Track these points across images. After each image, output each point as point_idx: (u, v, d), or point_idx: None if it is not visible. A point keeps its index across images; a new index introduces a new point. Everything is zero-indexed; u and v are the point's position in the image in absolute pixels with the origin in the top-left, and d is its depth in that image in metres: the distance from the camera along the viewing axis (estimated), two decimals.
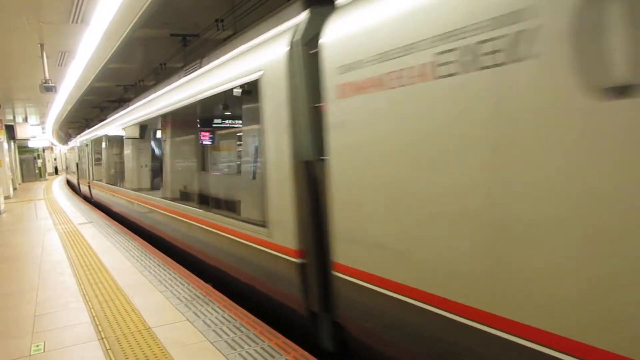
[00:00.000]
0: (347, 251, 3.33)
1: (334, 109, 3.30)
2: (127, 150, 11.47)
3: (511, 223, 2.16)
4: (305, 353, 3.79)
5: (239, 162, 5.78)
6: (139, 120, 9.79)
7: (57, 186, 29.93)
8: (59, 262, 7.59)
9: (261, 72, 4.27)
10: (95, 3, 7.41)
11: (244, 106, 5.21)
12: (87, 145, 18.73)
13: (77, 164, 23.15)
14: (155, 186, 9.09)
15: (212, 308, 5.02)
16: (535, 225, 2.07)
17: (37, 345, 4.28)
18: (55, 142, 49.11)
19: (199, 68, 7.59)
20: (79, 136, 24.11)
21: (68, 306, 5.35)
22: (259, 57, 4.41)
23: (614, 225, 1.79)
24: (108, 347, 4.12)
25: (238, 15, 10.17)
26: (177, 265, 7.10)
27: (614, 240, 1.81)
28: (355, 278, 3.23)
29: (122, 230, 10.77)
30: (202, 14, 10.56)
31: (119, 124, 12.33)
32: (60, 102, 21.50)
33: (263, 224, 4.44)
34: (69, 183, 32.53)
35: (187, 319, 4.71)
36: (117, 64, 14.33)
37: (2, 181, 19.63)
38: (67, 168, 37.53)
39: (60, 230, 11.13)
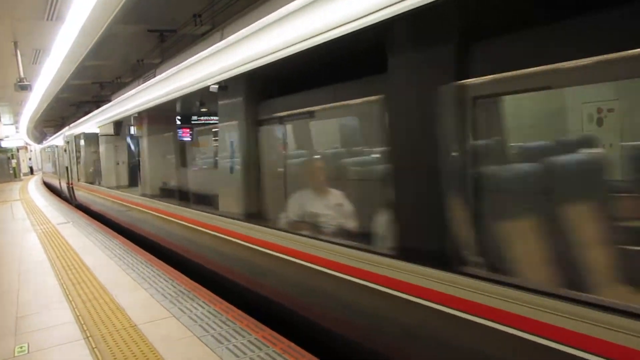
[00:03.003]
0: None
1: None
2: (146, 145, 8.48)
3: None
4: (292, 344, 3.85)
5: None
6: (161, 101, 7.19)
7: (33, 186, 29.36)
8: (40, 263, 7.49)
9: None
10: None
11: None
12: (80, 140, 14.90)
13: (66, 167, 18.02)
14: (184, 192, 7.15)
15: (198, 303, 5.03)
16: None
17: (21, 347, 4.25)
18: (30, 141, 48.09)
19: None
20: (62, 131, 20.26)
21: (51, 306, 5.30)
22: None
23: None
24: (94, 346, 4.12)
25: (216, 10, 10.11)
26: (161, 262, 7.08)
27: None
28: None
29: (102, 229, 10.66)
30: (180, 9, 10.47)
31: (129, 107, 9.08)
32: (35, 100, 21.07)
33: None
34: (47, 185, 29.19)
35: (173, 315, 4.72)
36: (93, 61, 14.12)
37: None
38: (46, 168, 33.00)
39: (39, 230, 10.96)
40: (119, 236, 9.60)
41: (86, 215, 13.44)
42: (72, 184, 16.89)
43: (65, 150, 18.01)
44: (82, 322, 4.70)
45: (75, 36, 9.59)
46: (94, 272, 6.64)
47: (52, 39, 9.84)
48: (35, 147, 52.02)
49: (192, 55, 6.42)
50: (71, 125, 17.65)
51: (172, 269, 6.66)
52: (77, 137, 15.21)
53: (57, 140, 21.77)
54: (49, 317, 4.97)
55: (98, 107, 14.84)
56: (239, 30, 4.99)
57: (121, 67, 16.50)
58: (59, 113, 30.84)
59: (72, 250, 8.37)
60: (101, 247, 8.46)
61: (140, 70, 16.21)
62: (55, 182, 23.60)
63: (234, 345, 3.91)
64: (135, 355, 3.86)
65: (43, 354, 4.09)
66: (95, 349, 4.04)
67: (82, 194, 15.09)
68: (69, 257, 7.75)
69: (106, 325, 4.56)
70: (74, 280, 6.30)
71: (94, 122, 12.44)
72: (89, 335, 4.37)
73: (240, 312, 4.74)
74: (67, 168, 17.71)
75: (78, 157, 15.39)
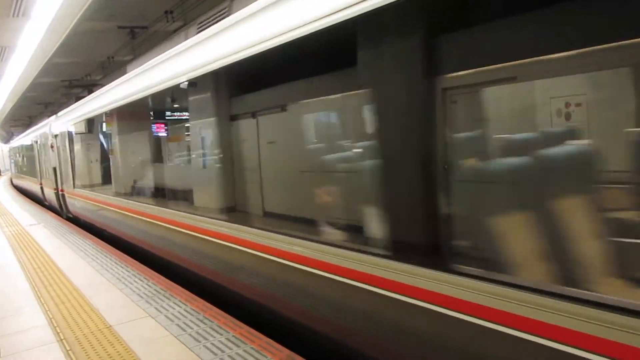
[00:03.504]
0: None
1: None
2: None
3: None
4: (271, 341, 3.86)
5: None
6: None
7: (0, 187, 28.53)
8: (9, 266, 7.31)
9: None
10: None
11: None
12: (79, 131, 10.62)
13: (53, 169, 13.61)
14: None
15: (174, 302, 5.00)
16: None
17: None
18: None
19: None
20: (45, 122, 15.29)
21: (22, 310, 5.19)
22: None
23: None
24: (68, 348, 4.05)
25: (188, 7, 9.99)
26: (136, 262, 6.99)
27: None
28: None
29: (75, 230, 10.45)
30: (151, 5, 10.32)
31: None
32: (1, 99, 20.46)
33: None
34: (20, 190, 25.12)
35: (149, 315, 4.67)
36: (62, 58, 13.81)
37: None
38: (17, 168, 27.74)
39: (7, 232, 10.68)
40: (92, 237, 9.43)
41: (58, 217, 13.13)
42: (62, 190, 12.77)
43: (52, 147, 13.45)
44: (56, 325, 4.62)
45: (42, 33, 9.36)
46: (66, 274, 6.51)
47: (18, 36, 9.57)
48: (3, 147, 50.49)
49: (165, 51, 6.34)
50: (60, 113, 13.01)
51: (147, 268, 6.59)
52: (75, 127, 10.77)
53: (36, 134, 16.82)
54: (21, 320, 4.86)
55: (67, 106, 14.31)
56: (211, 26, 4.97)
57: (91, 64, 16.16)
58: (27, 112, 30.03)
59: (43, 251, 8.19)
60: (74, 248, 8.30)
61: (110, 67, 15.91)
62: (32, 186, 19.05)
63: (212, 344, 3.90)
64: (111, 357, 3.81)
65: (15, 358, 4.00)
66: (69, 352, 3.98)
67: (82, 205, 11.02)
68: (40, 259, 7.57)
69: (80, 328, 4.49)
70: (46, 282, 6.17)
71: (107, 103, 8.33)
72: (62, 337, 4.30)
73: (217, 310, 4.72)
74: (54, 170, 13.26)
75: (73, 156, 11.38)
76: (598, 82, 2.16)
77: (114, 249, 8.06)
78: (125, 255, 7.46)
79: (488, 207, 2.56)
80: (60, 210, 13.84)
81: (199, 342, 3.96)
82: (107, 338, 4.19)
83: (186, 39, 6.44)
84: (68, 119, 11.54)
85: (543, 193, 2.30)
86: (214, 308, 4.76)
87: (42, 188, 16.63)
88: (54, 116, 13.82)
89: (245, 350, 3.72)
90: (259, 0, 4.11)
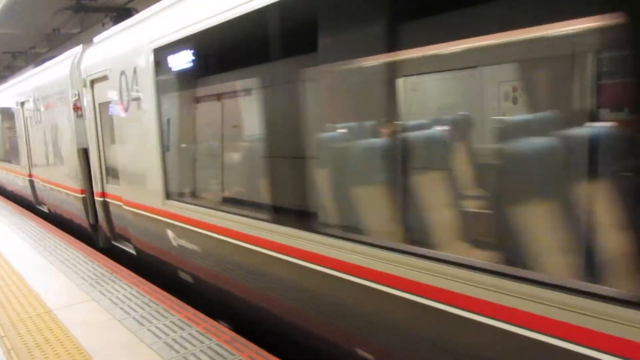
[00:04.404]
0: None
1: None
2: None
3: None
4: (215, 323, 3.82)
5: None
6: None
7: None
8: None
9: None
10: None
11: None
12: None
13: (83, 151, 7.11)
14: None
15: (120, 285, 4.86)
16: None
17: None
18: None
19: None
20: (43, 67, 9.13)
21: None
22: None
23: None
24: (3, 334, 3.87)
25: None
26: (82, 244, 6.75)
27: None
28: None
29: (19, 210, 9.98)
30: None
31: None
32: None
33: None
34: None
35: (93, 298, 4.54)
36: (1, 29, 12.99)
37: None
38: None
39: None
40: (35, 217, 9.03)
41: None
42: (120, 200, 5.98)
43: (76, 109, 7.10)
44: None
45: None
46: (6, 257, 6.22)
47: None
48: None
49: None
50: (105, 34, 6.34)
51: (94, 251, 6.38)
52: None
53: (25, 89, 9.82)
54: None
55: (8, 80, 12.73)
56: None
57: (35, 36, 15.29)
58: None
59: None
60: (15, 229, 7.93)
61: (57, 40, 15.11)
62: (11, 180, 11.99)
63: (156, 327, 3.83)
64: (49, 343, 3.67)
65: None
66: (3, 338, 3.81)
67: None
68: None
69: (17, 312, 4.31)
70: None
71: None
72: None
73: (164, 292, 4.63)
74: (82, 152, 7.14)
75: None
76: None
77: (58, 229, 7.76)
78: (72, 237, 7.20)
79: None
80: (95, 233, 7.19)
81: (143, 325, 3.87)
82: (45, 323, 4.04)
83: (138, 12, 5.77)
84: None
85: None
86: (160, 291, 4.67)
87: (32, 182, 9.82)
88: (79, 47, 7.25)
89: (189, 334, 3.67)
90: None
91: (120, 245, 6.24)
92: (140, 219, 5.30)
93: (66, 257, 6.03)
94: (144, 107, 4.88)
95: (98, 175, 6.59)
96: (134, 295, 4.58)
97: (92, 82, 6.34)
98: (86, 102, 6.61)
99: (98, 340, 3.66)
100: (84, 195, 7.04)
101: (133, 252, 5.79)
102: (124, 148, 5.59)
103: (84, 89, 6.58)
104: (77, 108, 6.95)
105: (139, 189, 5.29)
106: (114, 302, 4.42)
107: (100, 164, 6.53)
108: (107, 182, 6.44)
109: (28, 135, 9.76)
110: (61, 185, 7.86)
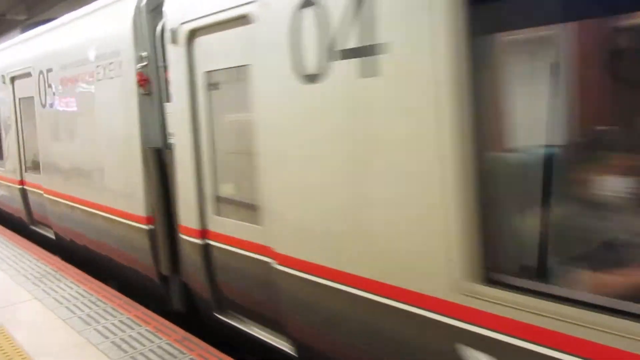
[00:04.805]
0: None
1: None
2: None
3: None
4: (166, 322, 3.73)
5: None
6: None
7: None
8: None
9: None
10: None
11: None
12: None
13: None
14: None
15: (65, 284, 4.66)
16: None
17: None
18: None
19: None
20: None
21: None
22: None
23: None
24: None
25: None
26: (26, 241, 6.44)
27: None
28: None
29: None
30: None
31: None
32: None
33: None
34: None
35: (35, 297, 4.33)
36: None
37: None
38: None
39: None
40: None
41: None
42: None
43: (139, 83, 4.09)
44: None
45: None
46: None
47: None
48: None
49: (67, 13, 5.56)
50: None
51: (39, 248, 6.09)
52: None
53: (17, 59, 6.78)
54: None
55: None
56: None
57: None
58: None
59: None
60: None
61: (2, 26, 14.38)
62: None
63: (104, 327, 3.69)
64: None
65: None
66: None
67: None
68: None
69: None
70: None
71: None
72: None
73: (113, 291, 4.48)
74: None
75: None
76: None
77: (1, 226, 7.38)
78: (15, 234, 6.85)
79: None
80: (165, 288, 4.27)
81: (89, 325, 3.73)
82: None
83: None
84: None
85: None
86: (109, 289, 4.51)
87: (24, 191, 6.83)
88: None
89: (139, 333, 3.56)
90: None
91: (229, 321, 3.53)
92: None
93: (7, 255, 5.73)
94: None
95: (194, 198, 3.59)
96: (80, 294, 4.40)
97: (192, 36, 3.46)
98: (177, 72, 3.67)
99: (40, 341, 3.49)
100: (150, 226, 4.11)
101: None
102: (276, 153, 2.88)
103: (173, 48, 3.65)
104: (143, 82, 4.05)
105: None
106: (59, 301, 4.24)
107: (200, 177, 3.57)
108: (215, 213, 3.51)
109: (21, 124, 6.77)
110: (89, 204, 4.94)
